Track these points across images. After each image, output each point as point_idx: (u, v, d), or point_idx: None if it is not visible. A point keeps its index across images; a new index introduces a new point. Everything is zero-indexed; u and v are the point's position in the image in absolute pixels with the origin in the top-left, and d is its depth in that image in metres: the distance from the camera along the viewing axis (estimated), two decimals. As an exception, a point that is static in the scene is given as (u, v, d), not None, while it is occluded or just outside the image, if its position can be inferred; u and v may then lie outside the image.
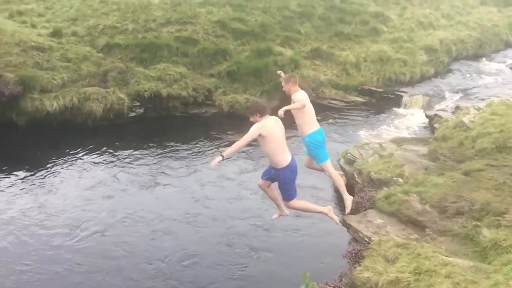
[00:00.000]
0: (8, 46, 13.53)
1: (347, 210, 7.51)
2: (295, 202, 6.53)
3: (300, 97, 6.91)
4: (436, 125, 11.76)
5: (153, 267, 7.34)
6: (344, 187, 7.55)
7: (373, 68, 17.08)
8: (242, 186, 9.99)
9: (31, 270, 7.13)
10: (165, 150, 11.87)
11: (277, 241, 8.21)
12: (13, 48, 13.52)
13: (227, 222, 8.59)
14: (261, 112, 6.02)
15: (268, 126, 5.97)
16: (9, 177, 10.09)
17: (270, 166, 6.34)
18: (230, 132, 13.06)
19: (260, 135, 5.92)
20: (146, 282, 7.01)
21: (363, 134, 13.26)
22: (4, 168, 10.42)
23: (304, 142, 7.32)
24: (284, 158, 6.17)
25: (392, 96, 16.07)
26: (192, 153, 11.77)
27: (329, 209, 6.83)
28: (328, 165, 7.42)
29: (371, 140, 11.73)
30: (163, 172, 10.70)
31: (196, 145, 12.09)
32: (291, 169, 6.28)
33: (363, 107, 15.69)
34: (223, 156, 5.71)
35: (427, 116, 13.70)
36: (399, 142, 10.85)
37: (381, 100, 16.04)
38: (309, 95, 15.01)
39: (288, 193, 6.45)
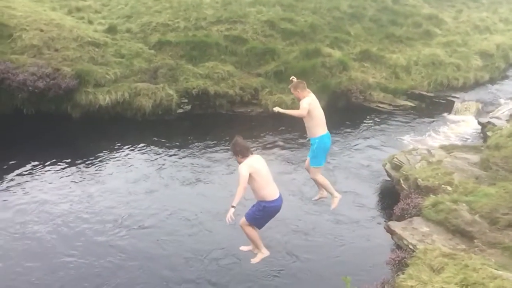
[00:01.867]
0: (66, 41, 14.11)
1: (335, 204, 7.56)
2: (249, 228, 6.41)
3: (305, 105, 6.98)
4: (489, 133, 11.32)
5: (191, 263, 7.45)
6: (332, 187, 7.62)
7: (425, 72, 16.64)
8: (282, 187, 9.89)
9: (77, 260, 7.41)
10: (209, 148, 12.04)
11: (317, 245, 8.11)
12: (70, 43, 14.10)
13: (264, 223, 8.57)
14: (243, 153, 6.09)
15: (255, 166, 6.05)
16: (62, 167, 10.54)
17: (258, 203, 6.31)
18: (274, 132, 13.07)
19: (249, 174, 6.00)
20: (184, 277, 7.12)
21: (410, 140, 12.95)
22: (57, 158, 10.88)
23: (312, 143, 7.33)
24: (274, 191, 6.26)
25: (443, 101, 15.60)
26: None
27: (261, 253, 6.63)
28: (317, 171, 7.47)
29: (418, 146, 11.43)
30: (206, 169, 10.86)
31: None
32: (278, 203, 6.30)
33: (412, 111, 15.32)
34: (234, 206, 5.86)
35: (479, 123, 13.22)
36: (449, 149, 10.53)
37: (432, 105, 15.61)
38: (357, 98, 15.09)
39: (259, 222, 6.42)
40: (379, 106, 15.50)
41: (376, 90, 15.84)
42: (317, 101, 7.28)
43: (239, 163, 6.11)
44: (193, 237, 8.13)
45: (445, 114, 15.13)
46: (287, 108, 14.07)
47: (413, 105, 15.57)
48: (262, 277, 7.26)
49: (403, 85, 16.15)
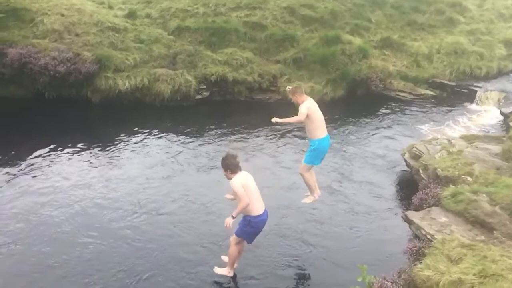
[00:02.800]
0: (87, 26, 14.22)
1: (308, 201, 8.01)
2: (235, 247, 6.65)
3: (303, 110, 7.22)
4: (511, 123, 11.10)
5: (205, 249, 7.46)
6: (316, 186, 7.99)
7: (447, 60, 16.35)
8: (297, 176, 9.93)
9: (94, 242, 7.50)
10: (226, 135, 12.05)
11: (332, 235, 8.05)
12: (91, 28, 14.20)
13: (280, 211, 8.52)
14: (233, 169, 6.34)
15: (245, 182, 6.31)
16: (81, 151, 10.68)
17: (244, 218, 6.48)
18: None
19: None
20: (200, 261, 7.17)
21: (430, 129, 12.76)
22: (77, 142, 11.02)
23: (312, 144, 7.58)
24: (260, 207, 6.48)
25: (465, 90, 15.31)
26: (252, 139, 11.87)
27: (228, 271, 6.79)
28: (308, 168, 7.75)
29: (437, 136, 11.26)
30: (222, 156, 10.83)
31: (257, 131, 12.17)
32: (263, 218, 6.52)
33: (433, 100, 15.09)
34: (233, 217, 6.21)
35: (502, 113, 12.96)
36: (470, 139, 10.34)
37: (453, 95, 15.34)
38: (376, 86, 14.89)
39: (249, 236, 6.67)
40: (399, 95, 15.30)
41: (396, 78, 15.63)
42: (315, 104, 7.52)
43: (228, 178, 6.38)
44: (209, 223, 8.16)
45: (467, 104, 14.85)
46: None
47: (434, 94, 15.33)
48: (277, 264, 7.25)
49: (424, 73, 15.90)
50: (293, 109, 13.61)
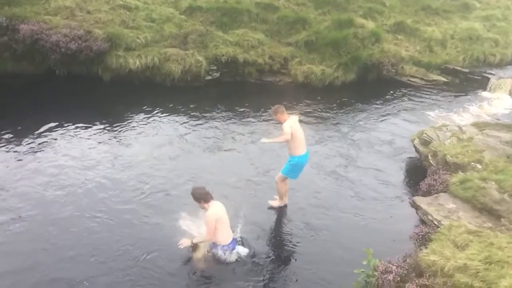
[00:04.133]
0: (98, 3, 14.17)
1: (274, 204, 8.19)
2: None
3: (287, 130, 7.51)
4: (524, 112, 10.98)
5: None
6: (286, 196, 8.24)
7: (460, 46, 16.15)
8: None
9: (101, 218, 7.58)
10: (235, 116, 12.05)
11: (338, 220, 8.05)
12: (102, 5, 14.15)
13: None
14: (206, 199, 6.49)
15: (219, 214, 6.50)
16: (90, 129, 10.74)
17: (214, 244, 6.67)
18: (301, 104, 12.96)
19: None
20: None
21: (439, 116, 12.66)
22: (86, 120, 11.08)
23: (291, 160, 7.86)
24: (228, 236, 6.69)
25: (478, 77, 15.15)
26: (261, 120, 11.86)
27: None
28: (282, 178, 8.00)
29: (447, 123, 11.18)
30: (230, 137, 10.87)
31: (266, 113, 12.15)
32: (232, 246, 6.70)
33: (445, 87, 14.95)
34: (192, 242, 6.54)
35: (515, 101, 12.82)
36: (481, 126, 10.26)
37: (466, 81, 15.18)
38: (388, 71, 14.76)
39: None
40: (411, 80, 15.17)
41: (408, 63, 15.48)
42: (297, 123, 7.83)
43: (204, 208, 6.52)
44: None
45: (480, 91, 14.70)
46: (317, 78, 13.97)
47: (446, 80, 15.18)
48: (281, 247, 7.30)
49: (437, 59, 15.73)
50: (303, 92, 13.72)
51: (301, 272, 6.82)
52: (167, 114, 11.82)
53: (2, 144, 9.73)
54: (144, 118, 11.55)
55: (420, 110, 13.15)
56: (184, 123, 11.45)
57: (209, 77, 13.94)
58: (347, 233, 7.75)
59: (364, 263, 6.03)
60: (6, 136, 10.03)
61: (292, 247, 7.34)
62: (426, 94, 14.36)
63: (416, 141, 9.92)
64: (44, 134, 10.28)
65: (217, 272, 6.67)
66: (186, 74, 13.54)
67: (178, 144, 10.37)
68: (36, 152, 9.55)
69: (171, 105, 12.37)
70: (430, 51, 16.07)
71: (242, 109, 12.43)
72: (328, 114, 12.55)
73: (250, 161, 9.83)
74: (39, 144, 9.85)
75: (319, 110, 12.72)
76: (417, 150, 9.88)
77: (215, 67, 14.01)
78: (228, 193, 8.13)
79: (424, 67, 15.42)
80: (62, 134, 10.38)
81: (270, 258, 7.03)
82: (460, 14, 18.01)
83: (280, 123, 7.75)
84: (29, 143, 9.85)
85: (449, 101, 13.93)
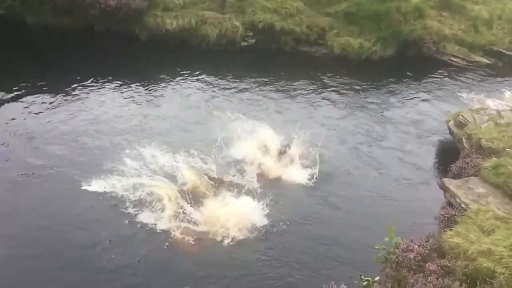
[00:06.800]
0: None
1: None
2: None
3: None
4: None
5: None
6: None
7: (507, 27, 15.43)
8: (329, 131, 9.76)
9: (126, 173, 7.87)
10: (266, 84, 11.97)
11: (360, 199, 8.04)
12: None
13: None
14: None
15: None
16: (123, 86, 10.96)
17: None
18: (335, 76, 12.74)
19: None
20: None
21: (477, 98, 12.23)
22: (120, 77, 11.29)
23: None
24: None
25: (524, 62, 14.50)
26: (292, 91, 11.75)
27: None
28: None
29: (485, 106, 10.82)
30: (258, 105, 10.86)
31: (298, 84, 12.03)
32: None
33: (486, 69, 14.40)
34: None
35: (560, 89, 12.26)
36: (521, 112, 9.90)
37: (510, 65, 14.57)
38: (429, 49, 14.30)
39: None
40: (452, 60, 14.64)
41: (451, 42, 14.91)
42: None
43: None
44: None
45: (523, 76, 14.11)
46: (354, 51, 13.67)
47: (489, 62, 14.61)
48: (298, 222, 7.36)
49: (481, 39, 15.10)
50: (338, 64, 13.46)
51: (319, 247, 6.89)
52: (199, 77, 11.88)
53: (37, 95, 10.04)
54: (177, 79, 11.65)
55: (458, 92, 12.74)
56: (216, 87, 11.52)
57: (244, 43, 13.81)
58: (369, 212, 7.75)
59: (386, 239, 6.01)
60: (42, 88, 10.34)
61: (310, 223, 7.37)
62: (466, 75, 13.88)
63: (451, 123, 9.68)
64: (79, 87, 10.60)
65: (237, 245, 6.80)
66: (221, 39, 13.45)
67: (206, 108, 10.47)
68: (70, 103, 10.01)
69: (204, 68, 12.38)
70: (475, 31, 15.41)
71: (274, 78, 12.32)
72: (359, 88, 12.31)
73: (274, 130, 9.52)
74: (73, 97, 10.24)
75: (353, 84, 12.49)
76: (451, 132, 9.65)
77: (251, 33, 13.84)
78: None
79: (467, 47, 14.84)
80: (96, 88, 10.69)
81: (287, 233, 7.09)
82: (511, -7, 17.14)
83: None
84: (65, 95, 10.24)
85: (489, 84, 13.45)
